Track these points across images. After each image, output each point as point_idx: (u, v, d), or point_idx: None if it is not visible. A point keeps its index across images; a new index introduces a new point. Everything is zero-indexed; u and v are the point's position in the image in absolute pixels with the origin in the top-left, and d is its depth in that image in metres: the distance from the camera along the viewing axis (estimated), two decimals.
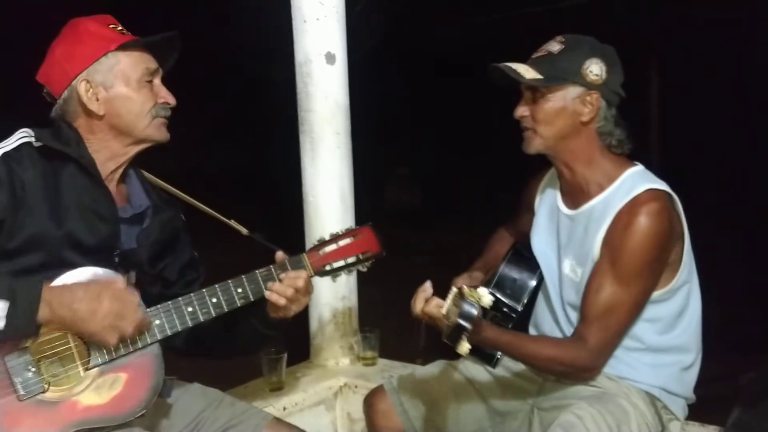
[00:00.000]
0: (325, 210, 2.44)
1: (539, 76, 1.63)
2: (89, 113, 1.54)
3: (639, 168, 1.71)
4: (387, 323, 2.67)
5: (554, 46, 1.67)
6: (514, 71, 1.64)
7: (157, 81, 1.59)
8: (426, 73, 8.06)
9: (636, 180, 1.66)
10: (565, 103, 1.65)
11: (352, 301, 2.53)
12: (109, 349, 1.46)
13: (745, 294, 4.52)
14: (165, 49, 1.61)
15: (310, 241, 2.49)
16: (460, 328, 1.33)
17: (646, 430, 1.66)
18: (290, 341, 2.41)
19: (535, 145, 1.69)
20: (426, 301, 1.52)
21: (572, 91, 1.65)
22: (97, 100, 1.53)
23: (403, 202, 8.25)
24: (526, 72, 1.64)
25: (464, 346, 1.36)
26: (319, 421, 2.30)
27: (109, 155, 1.56)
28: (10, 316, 1.33)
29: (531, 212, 1.88)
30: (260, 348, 2.15)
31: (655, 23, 6.20)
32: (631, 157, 1.74)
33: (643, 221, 1.59)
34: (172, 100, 1.59)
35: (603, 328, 1.61)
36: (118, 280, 1.47)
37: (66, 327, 1.41)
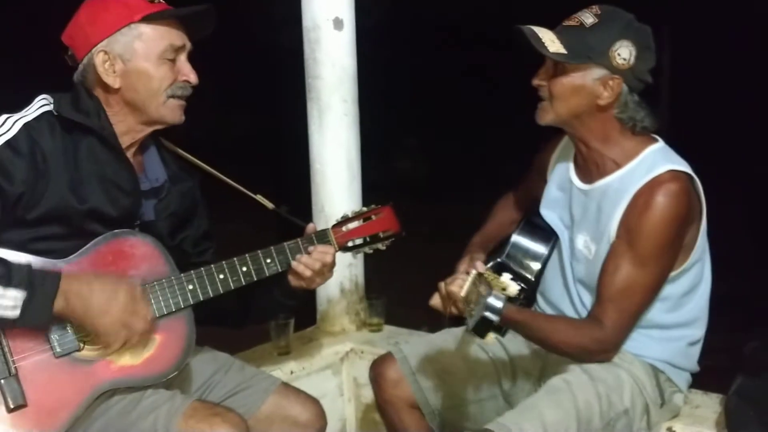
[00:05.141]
0: (332, 178, 2.44)
1: (563, 51, 1.56)
2: (105, 86, 1.50)
3: (659, 145, 1.66)
4: (393, 291, 2.69)
5: (588, 18, 1.59)
6: (539, 40, 1.57)
7: (182, 57, 1.52)
8: (436, 42, 7.95)
9: (656, 159, 1.62)
10: (585, 82, 1.59)
11: (359, 268, 2.54)
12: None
13: (752, 267, 4.52)
14: (196, 22, 1.52)
15: (317, 209, 2.50)
16: (486, 321, 1.30)
17: (641, 402, 1.66)
18: (298, 307, 2.43)
19: (547, 118, 1.65)
20: (448, 282, 1.49)
21: (595, 72, 1.59)
22: (114, 72, 1.48)
23: (411, 172, 8.22)
24: (552, 43, 1.57)
25: (490, 337, 1.34)
26: (326, 385, 2.33)
27: (125, 129, 1.53)
28: (25, 307, 1.33)
29: (543, 179, 1.85)
30: (274, 317, 2.18)
31: None
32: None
33: (663, 202, 1.55)
34: (193, 79, 1.52)
35: (619, 310, 1.59)
36: (135, 279, 1.47)
37: (77, 319, 1.41)
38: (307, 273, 1.61)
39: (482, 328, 1.31)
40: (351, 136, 2.45)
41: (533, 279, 1.82)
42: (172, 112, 1.53)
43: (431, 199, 6.95)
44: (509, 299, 1.33)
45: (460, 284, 1.44)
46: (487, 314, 1.29)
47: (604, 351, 1.64)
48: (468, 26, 7.19)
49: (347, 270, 2.51)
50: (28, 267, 1.36)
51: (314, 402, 1.75)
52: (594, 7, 1.62)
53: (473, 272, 1.39)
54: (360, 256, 2.53)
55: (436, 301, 1.52)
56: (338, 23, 2.36)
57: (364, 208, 1.72)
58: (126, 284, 1.43)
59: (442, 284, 1.51)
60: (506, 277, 1.35)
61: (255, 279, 1.58)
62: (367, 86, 2.50)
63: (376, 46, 3.07)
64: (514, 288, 1.33)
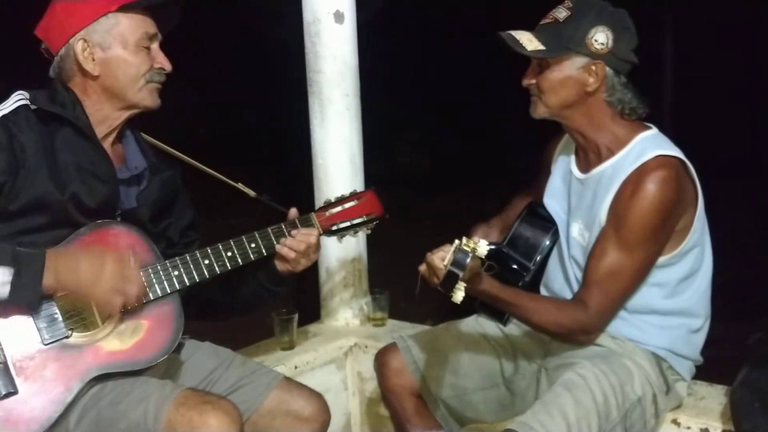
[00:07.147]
0: (335, 173, 2.44)
1: (542, 47, 1.61)
2: (84, 73, 1.54)
3: (651, 132, 1.68)
4: (396, 285, 2.69)
5: (561, 13, 1.64)
6: (517, 42, 1.62)
7: (154, 46, 1.58)
8: (437, 35, 7.93)
9: (646, 145, 1.64)
10: (570, 73, 1.63)
11: (362, 263, 2.54)
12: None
13: (756, 257, 4.51)
14: (166, 13, 1.59)
15: (319, 204, 2.47)
16: (450, 275, 1.36)
17: (649, 390, 1.67)
18: (301, 302, 2.44)
19: (540, 111, 1.69)
20: (433, 252, 1.52)
21: (577, 61, 1.63)
22: (93, 60, 1.53)
23: (413, 167, 8.22)
24: (530, 42, 1.62)
25: (458, 295, 1.38)
26: (330, 379, 2.34)
27: (101, 117, 1.57)
28: (14, 284, 1.35)
29: (548, 173, 1.88)
30: (261, 306, 2.17)
31: None
32: (647, 119, 1.71)
33: (650, 188, 1.57)
34: (168, 66, 1.59)
35: (603, 293, 1.61)
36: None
37: (71, 292, 1.43)
38: (292, 255, 1.64)
39: (448, 283, 1.37)
40: (353, 130, 2.44)
41: (533, 266, 1.84)
42: (150, 95, 1.58)
43: (434, 193, 6.94)
44: (481, 260, 1.40)
45: (442, 256, 1.46)
46: (452, 269, 1.35)
47: (585, 332, 1.67)
48: (469, 19, 7.16)
49: (350, 265, 2.50)
50: (12, 246, 1.38)
51: (317, 396, 1.75)
52: (566, 1, 1.66)
53: (456, 242, 1.41)
54: (363, 250, 2.54)
55: (423, 268, 1.54)
56: (339, 16, 2.35)
57: (347, 193, 1.76)
58: (113, 253, 1.45)
59: (428, 254, 1.53)
60: (482, 241, 1.39)
61: (240, 263, 1.61)
62: (368, 80, 2.49)
63: (378, 39, 3.06)
64: (483, 248, 1.38)
